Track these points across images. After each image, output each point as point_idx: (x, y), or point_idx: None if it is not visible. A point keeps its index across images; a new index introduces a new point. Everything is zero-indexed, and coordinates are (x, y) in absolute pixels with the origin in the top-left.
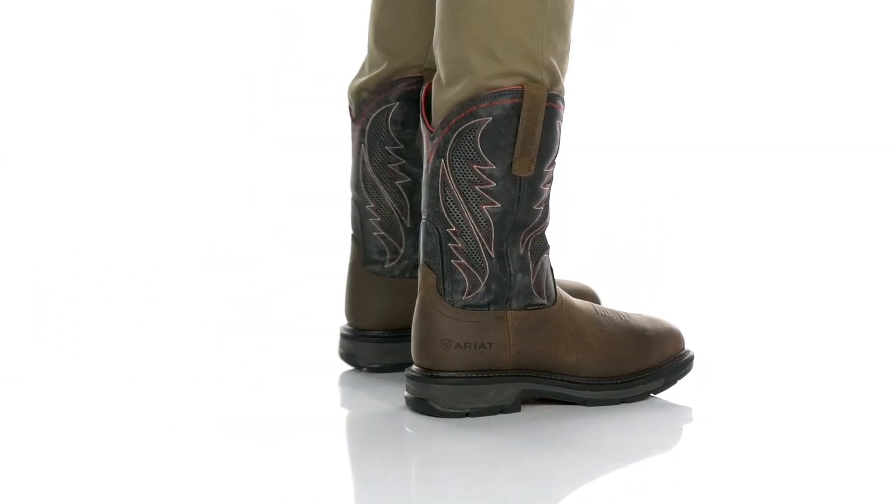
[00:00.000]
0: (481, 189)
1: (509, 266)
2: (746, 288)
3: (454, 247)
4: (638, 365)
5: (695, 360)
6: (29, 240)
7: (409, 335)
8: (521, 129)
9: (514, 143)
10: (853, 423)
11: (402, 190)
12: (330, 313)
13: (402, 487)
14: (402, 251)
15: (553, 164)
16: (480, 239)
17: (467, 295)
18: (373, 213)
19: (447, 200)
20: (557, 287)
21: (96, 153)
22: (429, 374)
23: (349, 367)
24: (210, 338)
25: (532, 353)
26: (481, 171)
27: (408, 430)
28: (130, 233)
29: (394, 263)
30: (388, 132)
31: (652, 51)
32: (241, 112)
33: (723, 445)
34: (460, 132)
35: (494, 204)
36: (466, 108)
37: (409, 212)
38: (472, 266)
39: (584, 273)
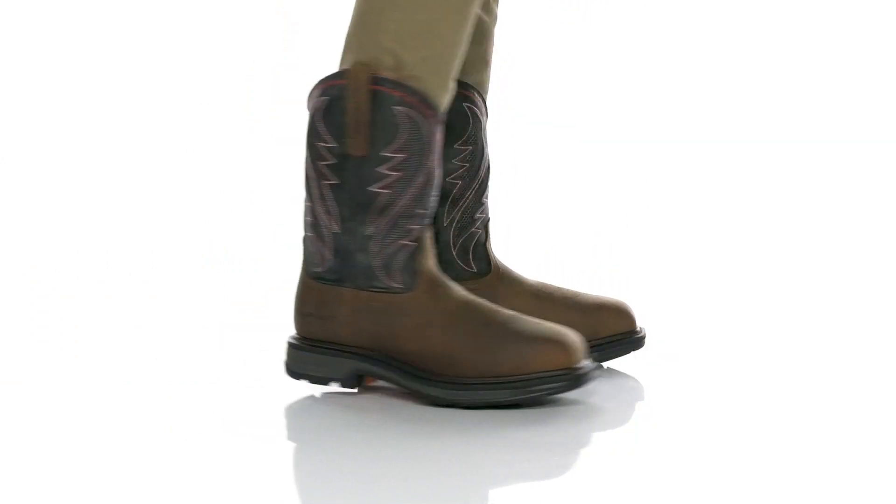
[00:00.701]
0: (323, 165)
1: (350, 244)
2: (735, 282)
3: (307, 220)
4: (482, 370)
5: (583, 381)
6: (29, 240)
7: None
8: (349, 109)
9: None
10: (824, 410)
11: None
12: None
13: (403, 486)
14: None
15: (404, 149)
16: (324, 214)
17: (318, 267)
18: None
19: (306, 175)
20: (436, 278)
21: (96, 153)
22: (289, 337)
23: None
24: (210, 338)
25: (372, 334)
26: (323, 147)
27: (409, 428)
28: (130, 233)
29: None
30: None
31: (641, 44)
32: (241, 112)
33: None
34: (312, 112)
35: (332, 180)
36: (317, 89)
37: None
38: (319, 240)
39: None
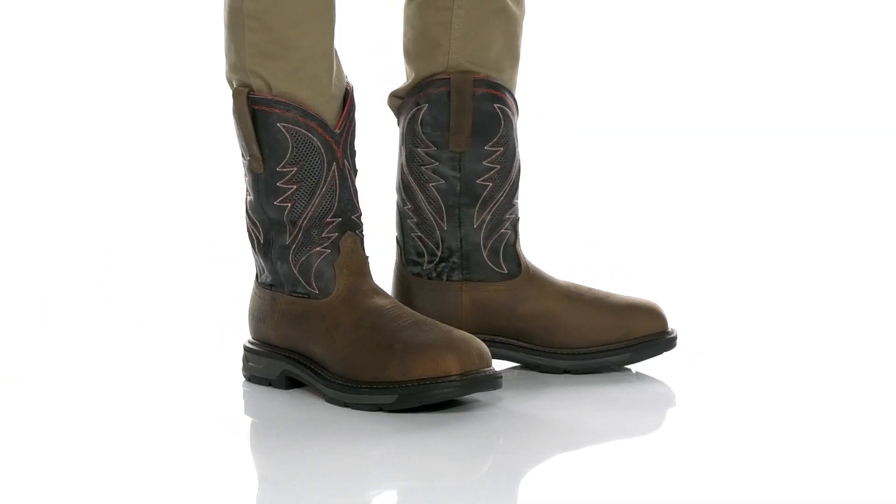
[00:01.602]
0: (247, 178)
1: (273, 253)
2: (767, 282)
3: (247, 228)
4: (374, 375)
5: (476, 386)
6: (29, 240)
7: None
8: (238, 126)
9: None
10: (833, 411)
11: (436, 192)
12: None
13: (406, 486)
14: (439, 253)
15: (295, 163)
16: (251, 225)
17: (261, 274)
18: (411, 214)
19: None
20: (357, 286)
21: (96, 153)
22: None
23: None
24: (210, 338)
25: (293, 337)
26: (246, 160)
27: (410, 426)
28: (130, 233)
29: (431, 266)
30: (419, 135)
31: (638, 41)
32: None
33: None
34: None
35: (248, 195)
36: None
37: (444, 214)
38: (255, 250)
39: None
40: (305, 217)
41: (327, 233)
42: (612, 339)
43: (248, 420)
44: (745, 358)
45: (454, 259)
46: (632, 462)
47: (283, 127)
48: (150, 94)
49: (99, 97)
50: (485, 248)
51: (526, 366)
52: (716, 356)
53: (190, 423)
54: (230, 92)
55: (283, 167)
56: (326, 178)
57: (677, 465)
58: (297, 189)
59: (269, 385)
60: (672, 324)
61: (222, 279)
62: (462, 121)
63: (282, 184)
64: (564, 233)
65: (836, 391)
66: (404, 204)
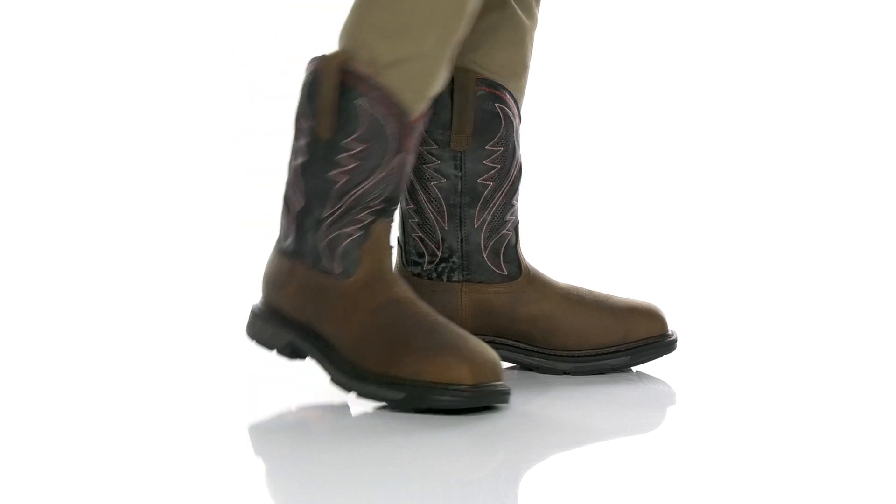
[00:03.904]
0: (300, 143)
1: (307, 224)
2: (767, 285)
3: (286, 191)
4: (384, 368)
5: (486, 399)
6: (29, 240)
7: None
8: (320, 92)
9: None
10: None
11: (437, 191)
12: None
13: (416, 485)
14: (439, 253)
15: (363, 140)
16: (292, 189)
17: (283, 241)
18: (412, 214)
19: (292, 147)
20: (379, 272)
21: (96, 153)
22: (253, 304)
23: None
24: (209, 338)
25: (308, 312)
26: (304, 124)
27: (419, 426)
28: (130, 233)
29: (432, 266)
30: (422, 133)
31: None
32: (245, 111)
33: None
34: (301, 87)
35: (304, 158)
36: (308, 66)
37: (445, 213)
38: (287, 214)
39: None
40: (353, 195)
41: (365, 215)
42: (611, 342)
43: (247, 421)
44: (745, 358)
45: (454, 259)
46: (632, 462)
47: (362, 104)
48: (151, 94)
49: (100, 98)
50: (485, 248)
51: (525, 367)
52: (716, 356)
53: (190, 423)
54: (321, 51)
55: (349, 142)
56: (388, 165)
57: (678, 464)
58: (356, 166)
59: (273, 351)
60: (672, 326)
61: (223, 279)
62: (464, 120)
63: (343, 157)
64: (564, 235)
65: (836, 390)
66: (406, 203)
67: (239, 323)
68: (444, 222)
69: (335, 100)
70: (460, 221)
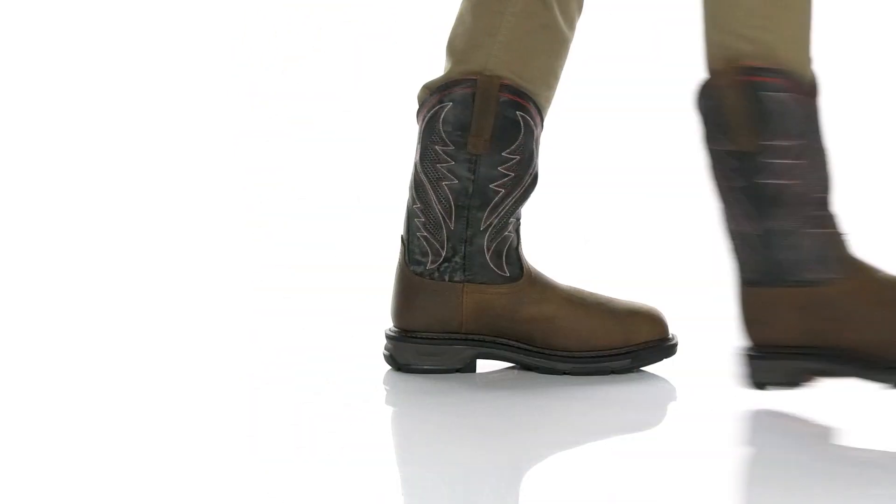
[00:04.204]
0: (729, 168)
1: (772, 242)
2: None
3: (737, 230)
4: (611, 343)
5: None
6: (29, 240)
7: (451, 339)
8: (733, 108)
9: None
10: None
11: (448, 191)
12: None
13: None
14: (443, 253)
15: (788, 135)
16: (737, 219)
17: (752, 273)
18: (419, 213)
19: (715, 178)
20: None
21: (95, 153)
22: (744, 350)
23: (390, 367)
24: (209, 338)
25: (818, 331)
26: (721, 148)
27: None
28: (129, 233)
29: (434, 266)
30: (439, 132)
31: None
32: (245, 111)
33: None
34: (701, 113)
35: (738, 182)
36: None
37: (453, 214)
38: (745, 245)
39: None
40: (805, 198)
41: (821, 211)
42: (612, 345)
43: (249, 421)
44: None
45: (457, 259)
46: (632, 461)
47: (779, 97)
48: (153, 93)
49: (101, 98)
50: (488, 250)
51: (525, 367)
52: (716, 356)
53: (189, 424)
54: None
55: (781, 141)
56: (821, 149)
57: (678, 464)
58: (799, 165)
59: (797, 386)
60: (673, 330)
61: (222, 278)
62: (483, 123)
63: (776, 162)
64: (565, 236)
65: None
66: (414, 203)
67: (239, 322)
68: (450, 222)
69: (747, 106)
70: (467, 223)
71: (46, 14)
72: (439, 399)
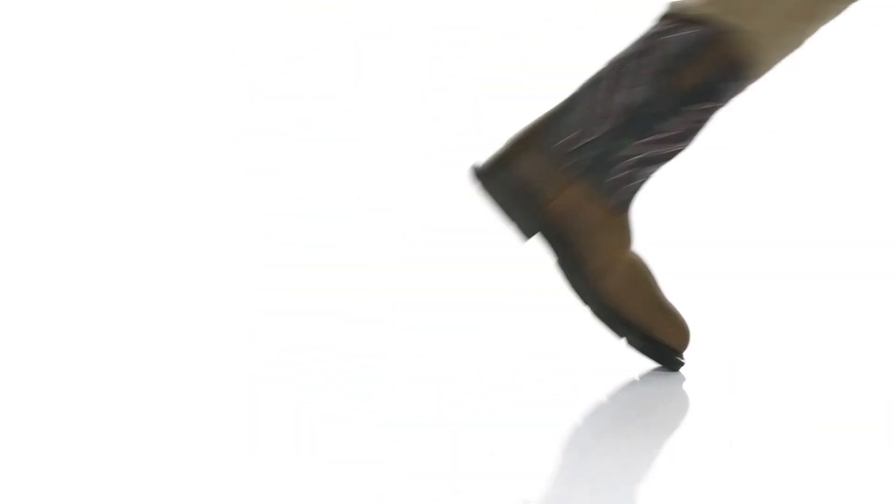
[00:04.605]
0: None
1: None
2: (778, 284)
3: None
4: (638, 319)
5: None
6: (29, 240)
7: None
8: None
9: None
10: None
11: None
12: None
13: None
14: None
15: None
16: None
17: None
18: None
19: None
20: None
21: (95, 153)
22: None
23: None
24: (212, 338)
25: None
26: None
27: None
28: (129, 233)
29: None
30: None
31: None
32: (245, 111)
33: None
34: None
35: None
36: None
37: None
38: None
39: None
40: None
41: None
42: (639, 320)
43: (248, 421)
44: (745, 358)
45: (590, 153)
46: (632, 461)
47: None
48: (154, 93)
49: (101, 98)
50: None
51: (563, 277)
52: (720, 356)
53: (190, 423)
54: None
55: None
56: None
57: (678, 464)
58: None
59: None
60: (689, 352)
61: (220, 278)
62: (694, 80)
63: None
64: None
65: (838, 390)
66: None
67: (239, 322)
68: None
69: None
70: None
71: (46, 14)
72: (439, 399)
